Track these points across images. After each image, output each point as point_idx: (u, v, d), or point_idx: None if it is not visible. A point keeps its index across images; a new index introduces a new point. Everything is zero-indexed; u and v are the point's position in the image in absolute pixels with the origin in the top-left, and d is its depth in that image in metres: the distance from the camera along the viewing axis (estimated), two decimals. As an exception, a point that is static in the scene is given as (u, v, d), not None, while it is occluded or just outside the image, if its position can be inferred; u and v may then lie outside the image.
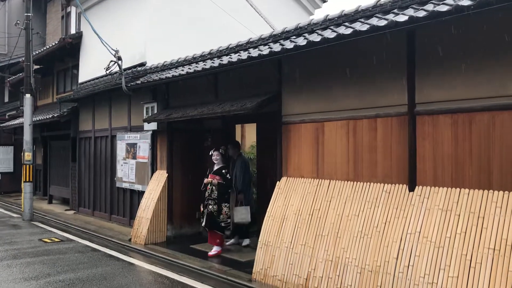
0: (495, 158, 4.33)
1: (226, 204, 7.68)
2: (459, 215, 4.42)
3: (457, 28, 4.57)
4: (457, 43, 4.63)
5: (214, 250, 7.60)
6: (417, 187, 4.89)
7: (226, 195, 7.73)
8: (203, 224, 7.80)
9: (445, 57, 4.71)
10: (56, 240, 8.93)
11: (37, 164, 16.96)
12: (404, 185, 5.01)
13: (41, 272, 6.47)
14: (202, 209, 7.79)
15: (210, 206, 7.64)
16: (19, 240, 8.91)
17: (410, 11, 4.69)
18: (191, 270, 6.71)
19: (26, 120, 12.00)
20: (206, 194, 7.71)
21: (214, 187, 7.64)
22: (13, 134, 18.08)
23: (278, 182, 6.50)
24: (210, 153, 7.95)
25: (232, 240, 8.23)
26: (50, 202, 15.35)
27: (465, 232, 4.31)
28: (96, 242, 8.71)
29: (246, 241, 8.14)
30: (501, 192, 4.23)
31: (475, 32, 4.48)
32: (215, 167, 7.82)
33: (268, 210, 6.36)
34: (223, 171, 7.74)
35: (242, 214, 7.65)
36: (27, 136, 11.96)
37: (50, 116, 13.26)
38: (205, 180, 7.78)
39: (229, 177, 7.73)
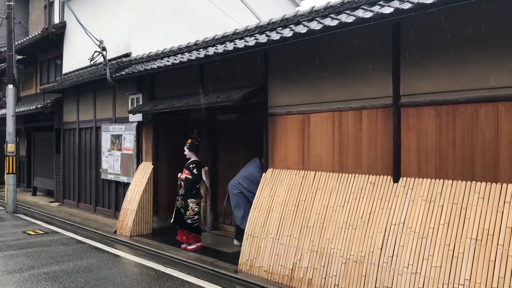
0: (478, 150, 4.38)
1: (193, 200, 7.42)
2: (442, 206, 4.48)
3: (442, 20, 4.59)
4: (441, 36, 4.66)
5: (192, 246, 7.43)
6: (401, 178, 4.94)
7: (194, 191, 7.47)
8: (171, 220, 7.67)
9: (430, 49, 4.74)
10: (40, 232, 8.85)
11: (20, 155, 16.74)
12: (389, 177, 5.05)
13: (25, 264, 6.41)
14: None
15: (177, 202, 7.56)
16: (2, 232, 8.81)
17: (396, 3, 4.70)
18: (177, 262, 6.71)
19: (9, 111, 11.83)
20: (180, 192, 7.62)
21: (182, 183, 7.52)
22: (-4, 126, 17.79)
23: (264, 173, 6.51)
24: None
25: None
26: (34, 194, 15.18)
27: (448, 223, 4.37)
28: (81, 234, 8.66)
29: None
30: (483, 183, 4.30)
31: (460, 24, 4.52)
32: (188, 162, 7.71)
33: (254, 201, 6.37)
34: (191, 166, 7.53)
35: None
36: (10, 127, 11.80)
37: (33, 107, 13.08)
38: (179, 175, 7.62)
39: (196, 172, 7.44)
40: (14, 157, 11.87)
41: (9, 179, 11.66)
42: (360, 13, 5.00)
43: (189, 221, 7.41)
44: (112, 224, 9.47)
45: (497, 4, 4.15)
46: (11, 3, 11.76)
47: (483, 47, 4.36)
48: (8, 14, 11.80)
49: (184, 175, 7.53)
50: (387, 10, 4.51)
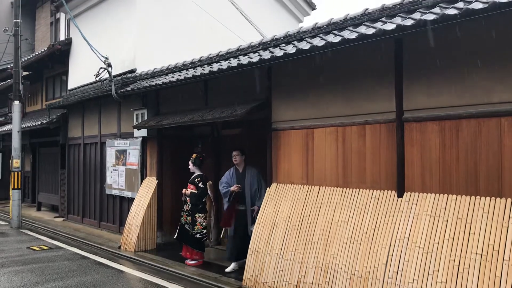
0: (481, 165, 4.39)
1: (200, 214, 7.44)
2: (447, 221, 4.47)
3: (443, 36, 4.64)
4: (443, 51, 4.70)
5: (193, 261, 7.43)
6: (405, 193, 4.94)
7: (200, 205, 7.48)
8: (175, 236, 7.63)
9: (432, 64, 4.78)
10: (45, 247, 8.86)
11: (25, 171, 16.83)
12: (393, 191, 5.05)
13: (29, 280, 6.41)
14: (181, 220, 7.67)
15: (182, 218, 7.54)
16: (7, 248, 8.82)
17: (398, 20, 4.76)
18: (181, 277, 6.68)
19: (15, 127, 11.91)
20: (185, 208, 7.59)
21: (187, 198, 7.50)
22: (2, 141, 17.94)
23: (268, 188, 6.51)
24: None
25: (232, 265, 7.02)
26: (39, 209, 15.21)
27: (453, 238, 4.36)
28: (86, 250, 8.65)
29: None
30: (487, 198, 4.29)
31: (461, 40, 4.56)
32: (192, 176, 7.71)
33: (258, 216, 6.37)
34: (196, 180, 7.54)
35: None
36: (16, 143, 11.87)
37: (39, 123, 13.17)
38: (183, 191, 7.62)
39: (202, 186, 7.44)
40: (20, 173, 11.92)
41: (14, 195, 11.70)
42: (362, 29, 5.05)
43: (198, 235, 7.40)
44: (116, 239, 9.46)
45: (498, 20, 4.19)
46: (19, 20, 11.91)
47: (485, 62, 4.39)
48: (15, 32, 11.94)
49: (189, 190, 7.54)
50: (389, 26, 4.56)
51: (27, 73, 15.56)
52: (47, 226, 11.76)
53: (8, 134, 14.19)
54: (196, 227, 7.41)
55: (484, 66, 4.39)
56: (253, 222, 6.60)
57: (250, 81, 6.95)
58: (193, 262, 7.42)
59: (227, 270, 6.93)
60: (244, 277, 6.16)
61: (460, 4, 4.23)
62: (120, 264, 7.57)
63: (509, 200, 4.16)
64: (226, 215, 7.05)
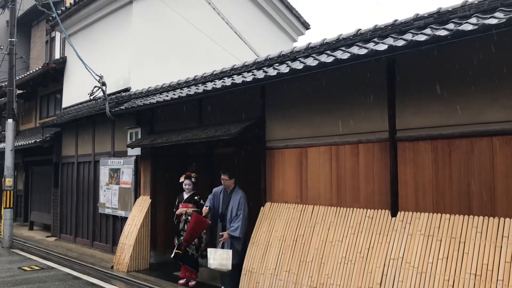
0: (474, 184, 4.40)
1: (204, 231, 7.27)
2: (440, 240, 4.46)
3: (435, 56, 4.69)
4: (435, 71, 4.75)
5: (193, 282, 7.33)
6: (399, 212, 4.94)
7: None
8: (172, 255, 7.31)
9: (424, 84, 4.83)
10: (36, 268, 8.73)
11: (18, 189, 16.68)
12: (387, 211, 5.05)
13: (19, 302, 6.31)
14: (176, 242, 7.37)
15: (181, 238, 7.20)
16: (-2, 268, 8.69)
17: (390, 40, 4.82)
18: (174, 298, 6.61)
19: (8, 145, 11.85)
20: (181, 226, 7.39)
21: (189, 217, 7.23)
22: (-6, 159, 17.78)
23: (262, 207, 6.49)
24: (180, 180, 7.61)
25: None
26: (31, 229, 15.04)
27: (447, 258, 4.35)
28: (78, 270, 8.54)
29: None
30: (481, 217, 4.30)
31: (453, 60, 4.61)
32: (185, 195, 7.59)
33: (252, 236, 6.33)
34: (195, 197, 7.48)
35: (222, 259, 6.16)
36: (8, 161, 11.79)
37: (32, 141, 13.12)
38: (177, 211, 7.47)
39: (203, 203, 7.19)
40: (12, 192, 11.82)
41: (6, 214, 11.57)
42: (355, 49, 5.10)
43: (205, 252, 7.06)
44: (109, 259, 9.35)
45: (489, 41, 4.25)
46: (14, 39, 11.95)
47: (476, 83, 4.44)
48: (10, 50, 11.97)
49: (189, 209, 7.39)
50: (381, 47, 4.62)
51: (21, 91, 15.55)
52: (39, 245, 11.62)
53: (1, 153, 14.11)
54: (202, 245, 7.30)
55: (475, 85, 4.44)
56: (222, 247, 6.31)
57: (244, 100, 6.98)
58: (193, 282, 7.32)
59: None
60: (238, 297, 6.10)
61: (451, 26, 4.30)
62: (113, 284, 7.47)
63: (502, 219, 4.16)
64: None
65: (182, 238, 7.20)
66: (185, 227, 7.30)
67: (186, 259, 7.32)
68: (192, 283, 7.33)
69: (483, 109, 4.38)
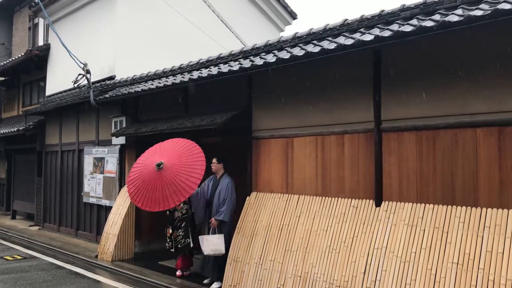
0: (457, 175, 4.45)
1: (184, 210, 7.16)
2: (424, 230, 4.51)
3: (421, 47, 4.71)
4: (421, 62, 4.77)
5: (188, 271, 7.25)
6: (383, 202, 4.97)
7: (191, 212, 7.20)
8: (174, 249, 7.21)
9: (410, 75, 4.85)
10: (19, 257, 8.64)
11: (0, 178, 16.45)
12: (371, 200, 5.08)
13: (2, 291, 6.25)
14: (170, 231, 7.22)
15: (178, 231, 7.14)
16: (-21, 258, 8.59)
17: (376, 31, 4.82)
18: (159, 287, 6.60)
19: (-10, 133, 11.66)
20: (176, 215, 7.22)
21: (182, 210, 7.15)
22: (-24, 148, 17.50)
23: (248, 197, 6.49)
24: None
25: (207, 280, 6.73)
26: (13, 218, 14.85)
27: (430, 247, 4.40)
28: (61, 259, 8.48)
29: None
30: (463, 208, 4.35)
31: (438, 51, 4.64)
32: None
33: (237, 225, 6.33)
34: None
35: (214, 245, 6.19)
36: (-10, 149, 11.62)
37: (15, 130, 12.92)
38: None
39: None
40: (-6, 180, 11.66)
41: (-12, 203, 11.43)
42: (341, 40, 5.10)
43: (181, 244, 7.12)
44: (93, 248, 9.30)
45: (473, 33, 4.27)
46: (-5, 25, 11.71)
47: (461, 74, 4.47)
48: (-9, 36, 11.74)
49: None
50: (368, 37, 4.62)
51: (3, 78, 15.28)
52: (22, 235, 11.49)
53: (-17, 141, 13.90)
54: (179, 237, 7.18)
55: (460, 77, 4.47)
56: (213, 233, 6.36)
57: (230, 89, 6.94)
58: (188, 272, 7.23)
59: (205, 282, 6.76)
60: (222, 286, 6.12)
61: (437, 17, 4.31)
62: (97, 274, 7.44)
63: (484, 209, 4.22)
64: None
65: (177, 231, 7.14)
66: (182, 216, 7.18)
67: (185, 248, 7.14)
68: (188, 272, 7.25)
69: (467, 100, 4.42)
